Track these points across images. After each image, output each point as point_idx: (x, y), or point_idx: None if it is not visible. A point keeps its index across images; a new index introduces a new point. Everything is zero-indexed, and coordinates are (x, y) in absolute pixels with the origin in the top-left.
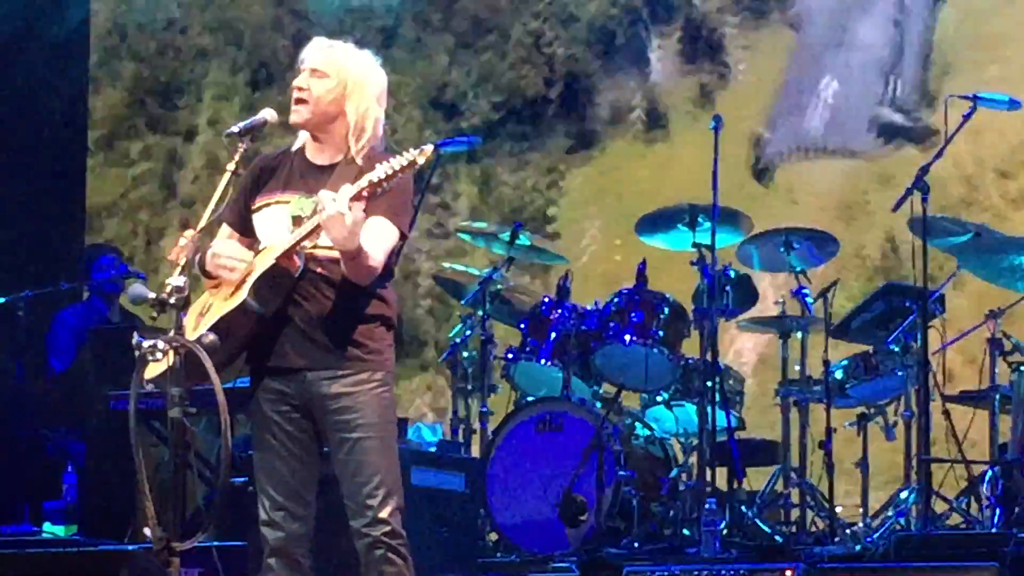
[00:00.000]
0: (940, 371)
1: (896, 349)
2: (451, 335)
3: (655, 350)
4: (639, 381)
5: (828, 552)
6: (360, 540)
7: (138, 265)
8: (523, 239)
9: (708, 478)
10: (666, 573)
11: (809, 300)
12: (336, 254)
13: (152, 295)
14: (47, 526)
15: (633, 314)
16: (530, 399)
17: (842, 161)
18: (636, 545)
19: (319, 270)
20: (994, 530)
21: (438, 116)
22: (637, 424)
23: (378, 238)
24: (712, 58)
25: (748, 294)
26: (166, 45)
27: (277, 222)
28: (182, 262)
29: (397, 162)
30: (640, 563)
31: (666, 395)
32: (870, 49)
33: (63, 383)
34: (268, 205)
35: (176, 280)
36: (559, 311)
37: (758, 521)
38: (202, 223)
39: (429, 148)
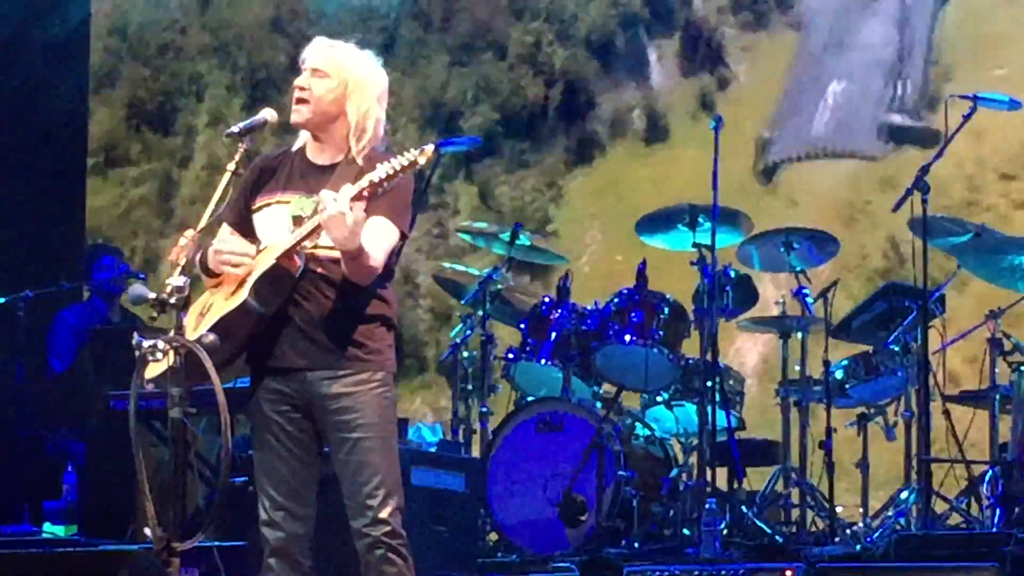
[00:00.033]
0: (941, 371)
1: (896, 349)
2: (451, 335)
3: (655, 350)
4: (639, 381)
5: (828, 552)
6: (360, 540)
7: (137, 267)
8: (523, 239)
9: (708, 478)
10: (666, 573)
11: (809, 300)
12: (337, 254)
13: (152, 295)
14: (47, 526)
15: (633, 314)
16: (530, 399)
17: (845, 164)
18: (636, 545)
19: (319, 270)
20: (994, 530)
21: (437, 122)
22: (637, 424)
23: (378, 238)
24: (712, 62)
25: (748, 294)
26: (166, 47)
27: (277, 222)
28: (182, 262)
29: (398, 162)
30: (640, 563)
31: (666, 395)
32: (874, 50)
33: (63, 383)
34: (268, 205)
35: (176, 280)
36: (559, 311)
37: (758, 521)
38: (202, 223)
39: (430, 148)
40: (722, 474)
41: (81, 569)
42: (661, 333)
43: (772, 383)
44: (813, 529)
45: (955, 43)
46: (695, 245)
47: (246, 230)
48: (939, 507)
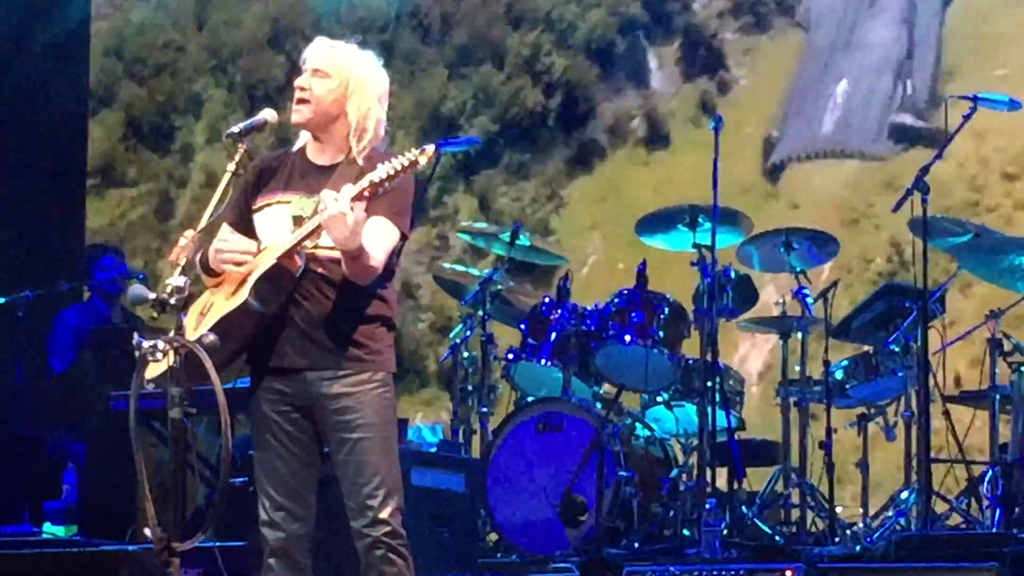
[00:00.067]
0: (941, 372)
1: (896, 349)
2: (451, 335)
3: (655, 350)
4: (639, 381)
5: (828, 552)
6: (360, 540)
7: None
8: (523, 239)
9: (708, 478)
10: (666, 573)
11: (809, 301)
12: (337, 254)
13: (152, 295)
14: (47, 526)
15: (633, 314)
16: (530, 399)
17: (849, 166)
18: (636, 545)
19: (320, 270)
20: (994, 530)
21: (436, 134)
22: (637, 424)
23: (379, 238)
24: (712, 66)
25: (748, 294)
26: (163, 65)
27: (278, 222)
28: (182, 262)
29: (398, 162)
30: (640, 563)
31: (666, 395)
32: (881, 49)
33: (63, 383)
34: (269, 205)
35: (176, 280)
36: (559, 311)
37: (758, 521)
38: (202, 223)
39: (430, 148)
40: (722, 474)
41: (81, 569)
42: (661, 333)
43: (774, 387)
44: (813, 529)
45: (956, 43)
46: (695, 245)
47: (246, 230)
48: (939, 507)
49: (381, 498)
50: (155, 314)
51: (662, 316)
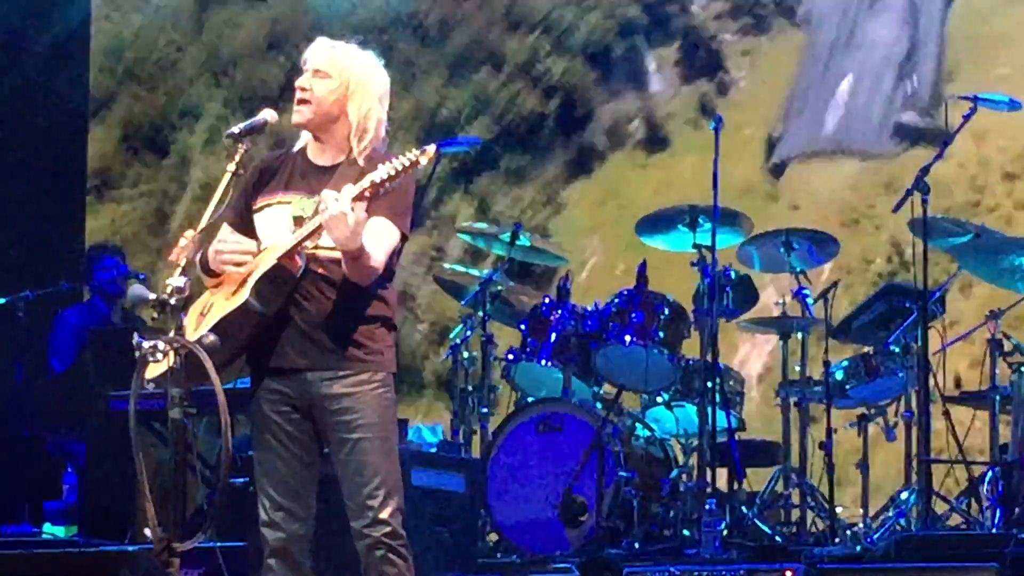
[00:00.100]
0: (941, 372)
1: (896, 350)
2: (451, 336)
3: (655, 351)
4: (639, 382)
5: (828, 553)
6: (360, 541)
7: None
8: (523, 239)
9: (708, 479)
10: (666, 573)
11: (810, 301)
12: (337, 254)
13: (152, 296)
14: (47, 526)
15: (633, 315)
16: (530, 400)
17: (849, 167)
18: (636, 546)
19: (320, 270)
20: (994, 531)
21: (434, 138)
22: (637, 425)
23: (379, 239)
24: (712, 68)
25: (748, 295)
26: (161, 70)
27: (278, 222)
28: (182, 263)
29: (399, 162)
30: (640, 563)
31: (666, 396)
32: (884, 48)
33: (63, 383)
34: (269, 205)
35: (176, 280)
36: (559, 312)
37: (758, 522)
38: (202, 223)
39: (431, 148)
40: (722, 475)
41: (81, 569)
42: (661, 334)
43: (774, 387)
44: (813, 530)
45: (957, 43)
46: (695, 246)
47: (247, 230)
48: (939, 508)
49: (381, 498)
50: (155, 314)
51: (662, 316)
